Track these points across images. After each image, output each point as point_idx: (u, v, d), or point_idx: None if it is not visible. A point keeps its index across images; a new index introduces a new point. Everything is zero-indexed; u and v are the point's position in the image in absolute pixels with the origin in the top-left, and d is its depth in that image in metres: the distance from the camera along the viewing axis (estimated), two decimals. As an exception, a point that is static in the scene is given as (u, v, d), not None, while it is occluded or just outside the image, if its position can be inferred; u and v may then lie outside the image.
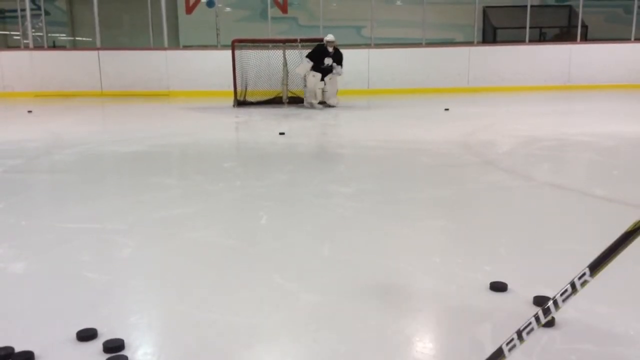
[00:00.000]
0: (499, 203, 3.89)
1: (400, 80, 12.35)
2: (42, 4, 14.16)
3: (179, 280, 2.53)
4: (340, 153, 6.03)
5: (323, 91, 9.71)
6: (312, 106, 9.62)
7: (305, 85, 9.61)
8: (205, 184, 4.47)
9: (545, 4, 16.27)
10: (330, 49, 9.51)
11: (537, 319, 1.43)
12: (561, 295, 1.41)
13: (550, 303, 1.43)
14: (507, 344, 1.48)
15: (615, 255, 1.34)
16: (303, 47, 10.20)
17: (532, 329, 1.45)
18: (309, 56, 9.54)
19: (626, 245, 1.32)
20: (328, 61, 9.46)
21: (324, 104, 9.71)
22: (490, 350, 1.89)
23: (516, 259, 2.73)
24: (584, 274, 1.38)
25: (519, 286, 2.37)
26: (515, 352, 1.53)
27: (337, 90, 9.89)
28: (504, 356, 1.50)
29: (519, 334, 1.46)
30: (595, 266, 1.37)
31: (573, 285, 1.39)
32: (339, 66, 9.65)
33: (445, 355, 1.90)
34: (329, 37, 9.63)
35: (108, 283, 2.50)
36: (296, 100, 10.16)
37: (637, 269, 2.57)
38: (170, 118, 9.14)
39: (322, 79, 9.56)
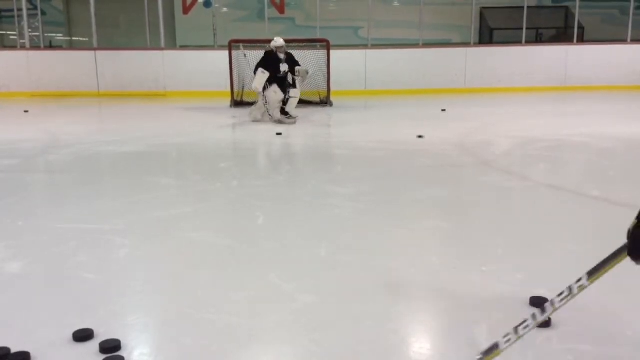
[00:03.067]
0: (496, 204, 3.90)
1: (398, 81, 12.33)
2: (38, 3, 14.12)
3: (175, 281, 2.52)
4: (338, 154, 6.03)
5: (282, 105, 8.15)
6: (272, 118, 8.03)
7: (265, 102, 8.07)
8: (203, 184, 4.47)
9: (542, 5, 16.29)
10: (282, 55, 8.21)
11: (534, 316, 1.45)
12: (558, 297, 1.43)
13: (547, 304, 1.45)
14: (504, 337, 1.51)
15: (614, 264, 1.36)
16: (299, 47, 10.20)
17: (527, 326, 1.47)
18: (261, 66, 8.12)
19: (625, 256, 1.35)
20: (284, 67, 8.16)
21: (287, 115, 8.08)
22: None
23: (513, 260, 2.73)
24: (581, 279, 1.40)
25: (515, 286, 2.38)
26: (510, 348, 1.54)
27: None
28: (498, 350, 1.51)
29: (516, 329, 1.49)
30: (594, 273, 1.39)
31: (570, 289, 1.41)
32: (304, 69, 8.32)
33: (442, 355, 1.90)
34: (278, 42, 8.19)
35: (105, 283, 2.49)
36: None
37: (634, 269, 2.58)
38: (167, 118, 9.13)
39: (283, 92, 8.09)
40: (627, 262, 1.43)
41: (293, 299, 2.32)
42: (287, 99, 8.09)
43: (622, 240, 1.36)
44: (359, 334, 2.02)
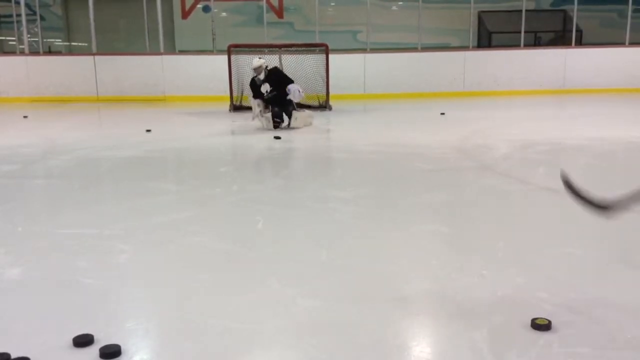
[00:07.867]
0: (496, 207, 3.90)
1: (396, 85, 12.35)
2: (37, 9, 14.14)
3: (176, 285, 2.52)
4: (337, 157, 6.03)
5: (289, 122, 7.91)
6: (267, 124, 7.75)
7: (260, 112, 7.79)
8: (202, 188, 4.46)
9: (540, 9, 16.34)
10: (261, 76, 7.82)
11: None
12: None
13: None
14: None
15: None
16: (298, 52, 10.22)
17: None
18: (254, 95, 7.94)
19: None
20: (264, 88, 7.83)
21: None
22: (488, 355, 1.89)
23: (513, 263, 2.73)
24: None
25: (515, 290, 2.38)
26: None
27: (308, 116, 8.24)
28: None
29: None
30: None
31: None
32: (294, 87, 7.86)
33: (442, 359, 1.90)
34: (253, 64, 7.84)
35: (104, 288, 2.49)
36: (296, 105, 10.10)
37: (632, 273, 2.58)
38: (166, 123, 9.13)
39: (281, 110, 7.81)
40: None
41: (293, 303, 2.32)
42: (290, 118, 7.85)
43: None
44: (359, 338, 2.02)
